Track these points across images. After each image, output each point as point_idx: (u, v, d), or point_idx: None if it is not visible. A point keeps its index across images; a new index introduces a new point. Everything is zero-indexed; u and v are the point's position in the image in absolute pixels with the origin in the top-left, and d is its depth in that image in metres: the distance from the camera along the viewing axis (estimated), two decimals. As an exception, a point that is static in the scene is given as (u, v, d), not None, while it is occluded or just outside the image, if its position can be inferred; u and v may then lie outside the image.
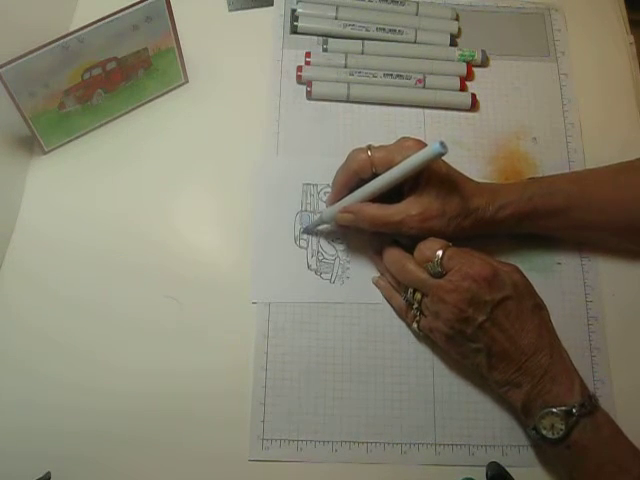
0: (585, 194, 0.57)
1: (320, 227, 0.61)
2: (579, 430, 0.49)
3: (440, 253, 0.52)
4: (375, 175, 0.55)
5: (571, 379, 0.51)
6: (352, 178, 0.57)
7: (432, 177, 0.54)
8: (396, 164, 0.53)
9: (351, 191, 0.57)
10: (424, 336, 0.57)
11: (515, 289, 0.52)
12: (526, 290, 0.53)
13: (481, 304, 0.51)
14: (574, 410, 0.49)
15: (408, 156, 0.52)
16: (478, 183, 0.57)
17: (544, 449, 0.53)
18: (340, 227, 0.60)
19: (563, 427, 0.49)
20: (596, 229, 0.59)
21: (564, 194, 0.56)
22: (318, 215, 0.61)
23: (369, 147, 0.55)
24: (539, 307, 0.53)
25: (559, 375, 0.51)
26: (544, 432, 0.50)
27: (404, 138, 0.55)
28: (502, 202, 0.55)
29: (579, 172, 0.62)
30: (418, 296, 0.54)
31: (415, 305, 0.55)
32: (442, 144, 0.49)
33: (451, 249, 0.53)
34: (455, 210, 0.54)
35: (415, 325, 0.56)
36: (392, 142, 0.56)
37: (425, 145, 0.53)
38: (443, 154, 0.49)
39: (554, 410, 0.49)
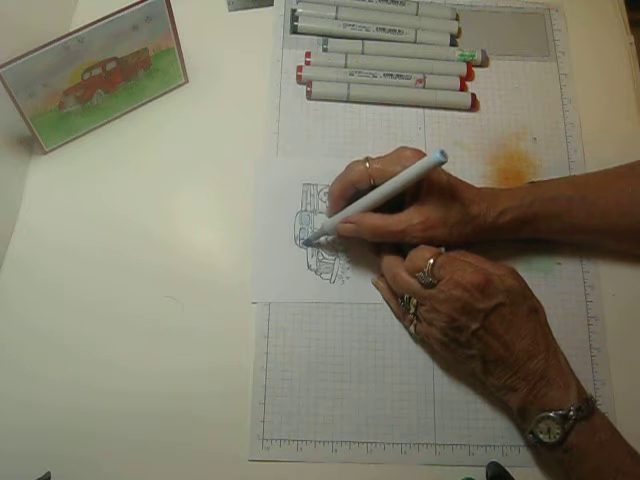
0: (586, 199, 0.56)
1: (321, 238, 0.61)
2: (576, 434, 0.48)
3: (431, 262, 0.51)
4: (373, 187, 0.54)
5: (567, 383, 0.50)
6: (349, 189, 0.56)
7: (433, 186, 0.54)
8: (395, 175, 0.52)
9: (348, 202, 0.57)
10: (422, 338, 0.57)
11: (508, 295, 0.51)
12: (520, 295, 0.52)
13: (474, 312, 0.50)
14: (571, 414, 0.48)
15: (407, 166, 0.51)
16: (479, 189, 0.57)
17: (542, 452, 0.53)
18: (341, 237, 0.60)
19: (560, 431, 0.48)
20: (597, 233, 0.58)
21: (565, 199, 0.56)
22: (319, 219, 0.61)
23: (367, 159, 0.55)
24: (534, 311, 0.52)
25: (555, 379, 0.50)
26: (541, 436, 0.49)
27: (402, 148, 0.55)
28: (503, 208, 0.55)
29: (579, 176, 0.62)
30: (414, 301, 0.54)
31: (412, 310, 0.55)
32: (442, 153, 0.48)
33: (442, 257, 0.52)
34: (456, 217, 0.54)
35: (412, 328, 0.56)
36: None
37: (423, 154, 0.53)
38: (443, 163, 0.49)
39: (550, 414, 0.49)
